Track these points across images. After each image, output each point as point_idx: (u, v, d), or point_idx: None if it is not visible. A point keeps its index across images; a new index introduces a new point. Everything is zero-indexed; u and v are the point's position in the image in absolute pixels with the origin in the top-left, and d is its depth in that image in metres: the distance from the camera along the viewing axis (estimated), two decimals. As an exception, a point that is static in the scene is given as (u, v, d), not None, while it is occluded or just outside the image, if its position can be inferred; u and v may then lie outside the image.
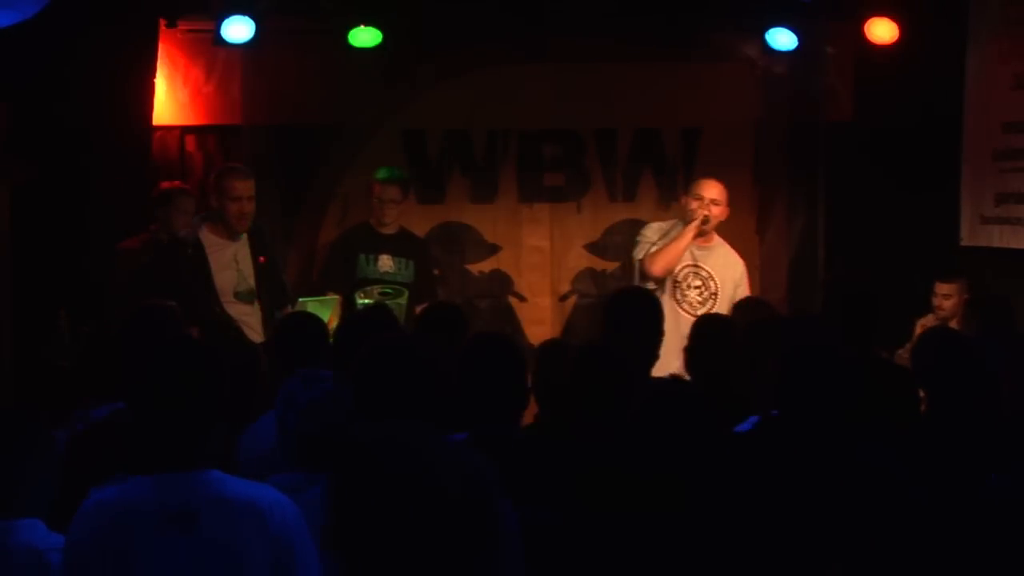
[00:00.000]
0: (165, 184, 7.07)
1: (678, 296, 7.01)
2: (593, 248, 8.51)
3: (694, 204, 7.06)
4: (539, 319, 8.39)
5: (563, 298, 8.40)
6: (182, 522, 3.02)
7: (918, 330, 7.12)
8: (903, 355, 7.07)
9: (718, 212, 7.09)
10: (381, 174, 7.55)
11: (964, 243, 8.00)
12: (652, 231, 7.16)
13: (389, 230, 7.56)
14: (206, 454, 3.13)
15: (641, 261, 7.03)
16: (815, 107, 8.44)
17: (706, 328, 5.36)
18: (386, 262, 7.48)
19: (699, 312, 6.74)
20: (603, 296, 7.42)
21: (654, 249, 7.01)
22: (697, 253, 7.12)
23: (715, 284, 7.06)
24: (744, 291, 7.16)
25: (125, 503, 3.07)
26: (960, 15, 7.91)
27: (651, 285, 6.92)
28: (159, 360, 3.17)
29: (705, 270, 7.11)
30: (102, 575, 3.02)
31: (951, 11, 7.89)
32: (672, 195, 8.48)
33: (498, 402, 3.88)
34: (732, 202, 7.31)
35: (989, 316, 6.46)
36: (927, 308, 7.24)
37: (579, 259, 8.51)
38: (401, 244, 7.60)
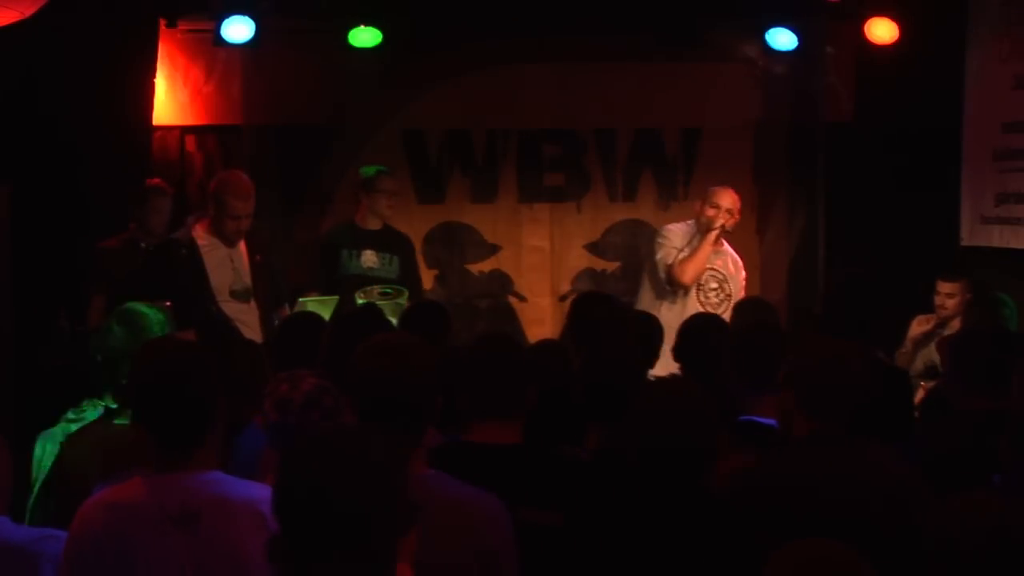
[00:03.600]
0: (150, 181, 7.06)
1: (702, 298, 6.99)
2: (593, 248, 8.53)
3: (711, 212, 6.97)
4: (539, 319, 8.40)
5: (563, 298, 8.38)
6: (183, 523, 3.00)
7: (913, 327, 7.14)
8: (903, 354, 7.09)
9: (733, 221, 7.06)
10: (370, 170, 7.31)
11: (964, 243, 7.99)
12: (676, 236, 7.04)
13: (374, 226, 7.29)
14: (208, 455, 3.12)
15: (670, 266, 6.93)
16: (815, 107, 8.44)
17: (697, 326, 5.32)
18: (370, 257, 7.23)
19: (718, 312, 6.68)
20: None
21: (682, 256, 6.94)
22: (711, 257, 7.05)
23: (729, 287, 7.04)
24: (740, 293, 7.16)
25: (126, 502, 3.06)
26: (960, 15, 7.90)
27: (677, 289, 6.92)
28: (151, 362, 3.17)
29: (721, 273, 7.09)
30: (103, 573, 3.01)
31: (951, 11, 7.88)
32: (672, 195, 8.49)
33: (501, 403, 3.87)
34: (732, 202, 7.32)
35: (989, 316, 6.45)
36: (927, 308, 7.22)
37: (579, 259, 8.52)
38: (386, 240, 7.32)
